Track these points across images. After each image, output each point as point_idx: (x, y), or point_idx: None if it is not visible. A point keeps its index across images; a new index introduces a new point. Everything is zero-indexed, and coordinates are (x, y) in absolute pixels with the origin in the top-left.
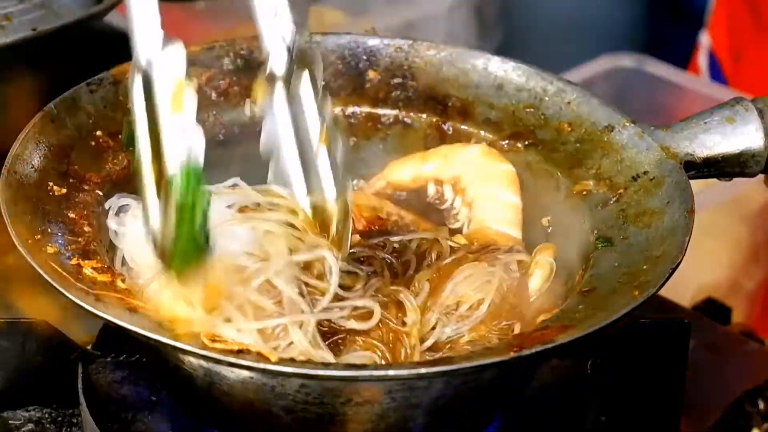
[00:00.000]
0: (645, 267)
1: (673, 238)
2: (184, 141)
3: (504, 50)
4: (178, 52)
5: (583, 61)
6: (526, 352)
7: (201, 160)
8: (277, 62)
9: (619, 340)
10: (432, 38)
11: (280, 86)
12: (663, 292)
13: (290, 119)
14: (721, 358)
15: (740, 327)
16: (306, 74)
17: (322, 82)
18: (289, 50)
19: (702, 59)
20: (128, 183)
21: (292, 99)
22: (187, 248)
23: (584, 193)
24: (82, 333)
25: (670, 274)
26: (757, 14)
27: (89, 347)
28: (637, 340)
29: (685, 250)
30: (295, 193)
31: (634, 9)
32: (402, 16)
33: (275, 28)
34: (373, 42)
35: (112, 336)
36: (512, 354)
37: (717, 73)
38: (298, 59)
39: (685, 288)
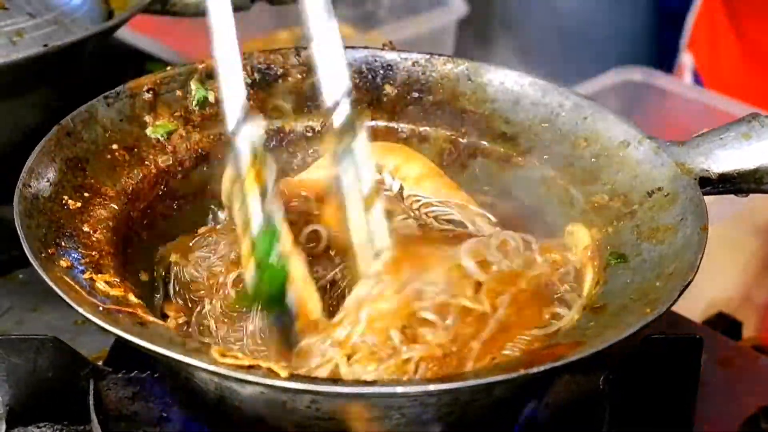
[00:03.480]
0: (657, 284)
1: (685, 255)
2: (263, 206)
3: (512, 64)
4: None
5: (592, 75)
6: (535, 369)
7: (278, 223)
8: (339, 116)
9: (631, 356)
10: (440, 52)
11: (349, 140)
12: (674, 307)
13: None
14: (732, 373)
15: (752, 342)
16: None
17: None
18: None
19: (687, 79)
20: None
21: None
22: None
23: (599, 208)
24: (94, 349)
25: (682, 292)
26: (740, 33)
27: (100, 363)
28: (650, 356)
29: (698, 267)
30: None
31: (643, 22)
32: (410, 30)
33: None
34: (390, 56)
35: (123, 352)
36: (522, 371)
37: None
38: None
39: (695, 302)
